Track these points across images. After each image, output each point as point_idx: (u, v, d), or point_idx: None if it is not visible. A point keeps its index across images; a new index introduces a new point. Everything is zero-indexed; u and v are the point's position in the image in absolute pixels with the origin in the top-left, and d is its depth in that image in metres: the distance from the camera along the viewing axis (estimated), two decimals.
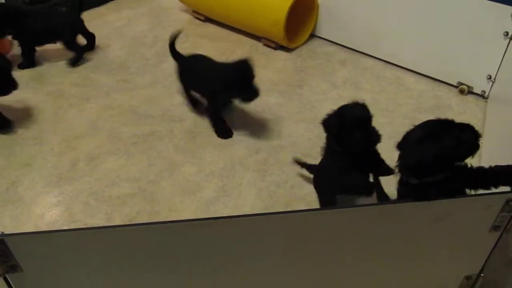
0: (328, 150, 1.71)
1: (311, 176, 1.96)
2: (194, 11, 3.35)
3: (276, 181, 2.03)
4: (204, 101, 2.40)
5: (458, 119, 1.30)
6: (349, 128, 1.54)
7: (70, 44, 2.77)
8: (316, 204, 1.89)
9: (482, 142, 1.63)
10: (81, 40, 2.88)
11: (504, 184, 1.27)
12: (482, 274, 1.39)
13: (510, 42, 2.27)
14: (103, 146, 2.23)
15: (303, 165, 2.00)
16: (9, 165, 2.13)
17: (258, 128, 2.34)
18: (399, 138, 1.37)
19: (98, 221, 1.86)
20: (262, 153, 2.19)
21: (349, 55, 2.91)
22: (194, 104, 2.46)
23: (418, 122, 1.35)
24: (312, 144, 2.19)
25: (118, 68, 2.81)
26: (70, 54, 2.81)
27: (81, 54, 2.83)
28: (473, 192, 1.31)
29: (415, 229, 1.26)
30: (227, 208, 1.91)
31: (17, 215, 1.89)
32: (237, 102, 2.25)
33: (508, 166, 1.27)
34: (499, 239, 1.28)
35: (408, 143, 1.32)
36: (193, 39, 3.09)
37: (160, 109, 2.47)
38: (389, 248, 1.29)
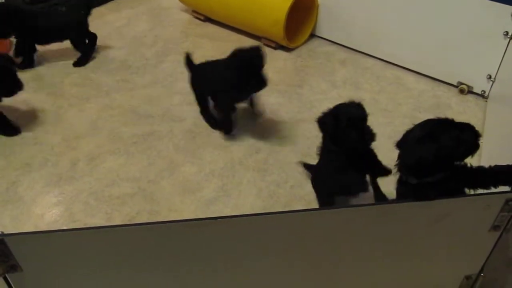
0: (324, 150, 1.71)
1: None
2: (194, 11, 3.34)
3: (276, 181, 2.03)
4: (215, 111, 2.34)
5: (458, 118, 1.30)
6: (344, 127, 1.54)
7: (78, 43, 2.77)
8: (316, 204, 1.89)
9: (482, 141, 1.62)
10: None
11: (504, 184, 1.27)
12: (482, 274, 1.39)
13: (510, 42, 2.27)
14: (103, 146, 2.23)
15: (304, 165, 2.01)
16: (9, 165, 2.13)
17: (258, 128, 2.34)
18: (399, 137, 1.37)
19: (98, 221, 1.86)
20: (262, 153, 2.19)
21: (349, 55, 2.91)
22: (211, 122, 2.34)
23: (418, 121, 1.35)
24: (312, 144, 2.19)
25: (118, 68, 2.81)
26: (71, 54, 2.81)
27: (87, 55, 2.83)
28: (472, 192, 1.31)
29: (414, 229, 1.26)
30: (227, 208, 1.91)
31: (17, 215, 1.89)
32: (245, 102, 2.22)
33: (508, 166, 1.27)
34: (499, 239, 1.28)
35: (408, 142, 1.32)
36: (193, 39, 3.09)
37: (160, 109, 2.47)
38: (389, 248, 1.29)
